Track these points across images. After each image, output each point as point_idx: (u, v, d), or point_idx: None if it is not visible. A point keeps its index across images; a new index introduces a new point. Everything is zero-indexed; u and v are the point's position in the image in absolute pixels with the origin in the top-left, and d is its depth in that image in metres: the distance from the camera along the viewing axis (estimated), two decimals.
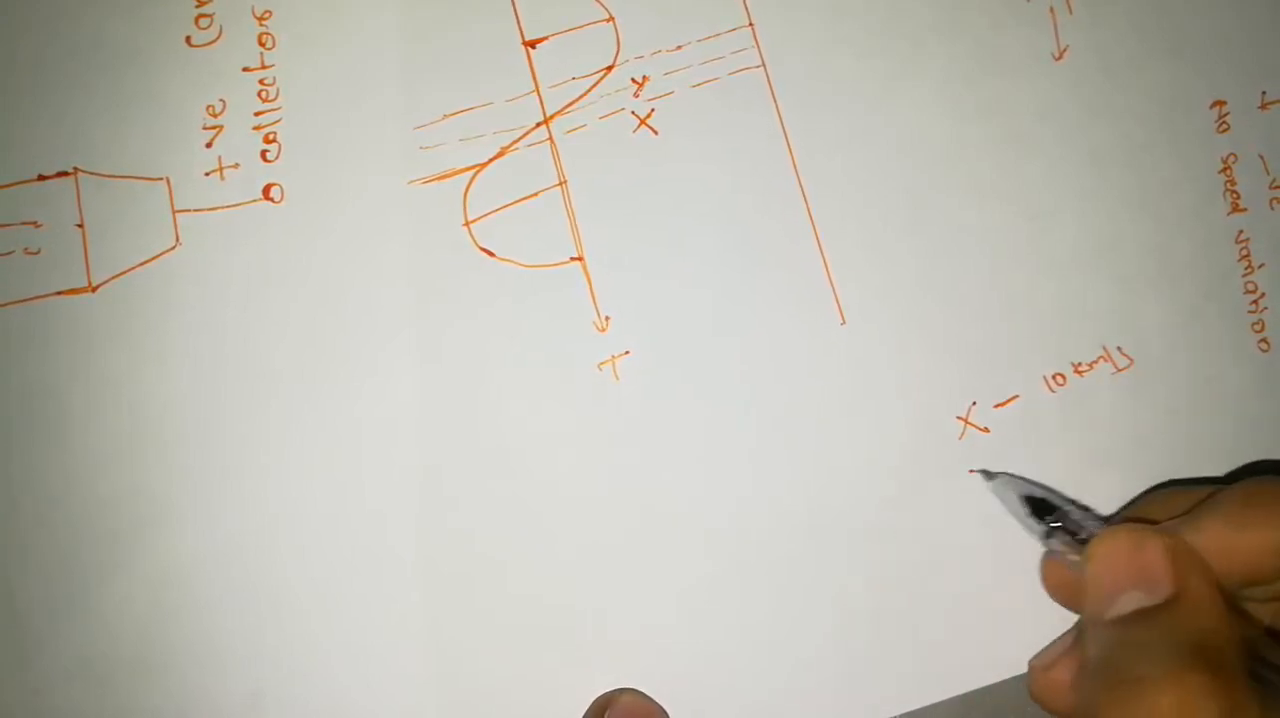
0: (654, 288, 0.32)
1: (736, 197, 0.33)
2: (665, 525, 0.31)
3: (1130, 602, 0.25)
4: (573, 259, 0.32)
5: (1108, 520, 0.29)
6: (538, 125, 0.32)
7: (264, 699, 0.30)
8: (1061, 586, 0.30)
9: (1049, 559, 0.30)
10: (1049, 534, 0.29)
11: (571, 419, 0.32)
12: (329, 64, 0.32)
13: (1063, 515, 0.29)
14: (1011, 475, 0.31)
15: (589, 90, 0.33)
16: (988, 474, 0.32)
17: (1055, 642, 0.30)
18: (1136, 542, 0.26)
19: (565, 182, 0.32)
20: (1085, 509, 0.29)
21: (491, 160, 0.32)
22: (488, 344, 0.32)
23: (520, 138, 0.32)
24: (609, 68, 0.33)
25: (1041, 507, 0.29)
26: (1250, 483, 0.27)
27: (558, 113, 0.32)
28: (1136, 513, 0.31)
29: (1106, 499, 0.32)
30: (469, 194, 0.32)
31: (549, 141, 0.32)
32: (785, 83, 0.33)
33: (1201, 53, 0.35)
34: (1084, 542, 0.28)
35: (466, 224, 0.32)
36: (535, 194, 0.32)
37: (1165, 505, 0.29)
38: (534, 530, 0.31)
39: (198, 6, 0.32)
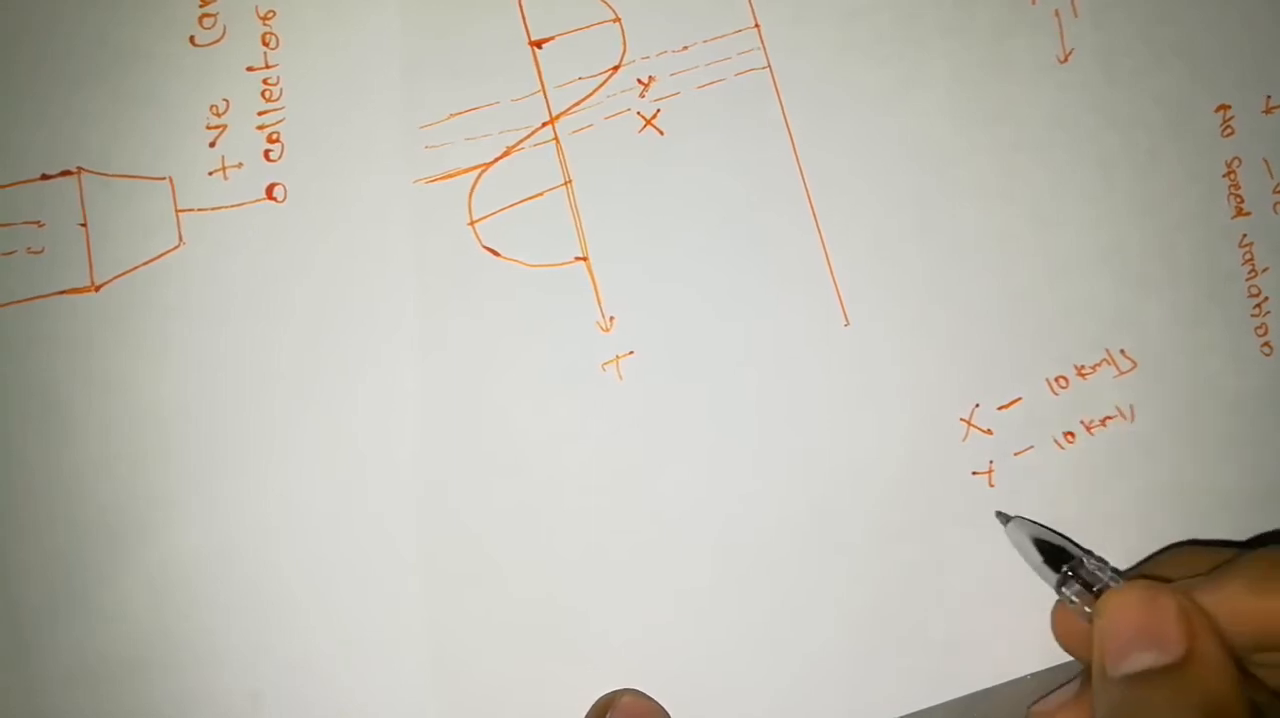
0: (658, 288, 0.32)
1: (741, 197, 0.33)
2: (667, 526, 0.31)
3: (1141, 661, 0.25)
4: (577, 259, 0.32)
5: (1123, 575, 0.29)
6: (543, 125, 0.32)
7: (264, 699, 0.30)
8: (1071, 635, 0.30)
9: (1060, 608, 0.30)
10: (1062, 583, 0.29)
11: (575, 419, 0.32)
12: (332, 64, 0.32)
13: (1076, 565, 0.29)
14: (1026, 520, 0.31)
15: (595, 90, 0.33)
16: (1004, 518, 0.32)
17: (1058, 690, 0.30)
18: (1149, 599, 0.26)
19: (570, 181, 0.32)
20: (1101, 561, 0.29)
21: (497, 160, 0.32)
22: (492, 344, 0.31)
23: (526, 137, 0.32)
24: (615, 68, 0.33)
25: (1056, 554, 0.29)
26: (1275, 549, 0.27)
27: (563, 113, 0.32)
28: (1153, 570, 0.30)
29: (1108, 502, 0.33)
30: (474, 194, 0.32)
31: (554, 141, 0.32)
32: (791, 84, 0.33)
33: (1206, 57, 0.35)
34: (1097, 593, 0.28)
35: (471, 223, 0.32)
36: (540, 194, 0.32)
37: (1185, 564, 0.29)
38: (536, 530, 0.31)
39: (201, 6, 0.32)
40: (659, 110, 0.33)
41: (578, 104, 0.33)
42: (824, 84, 0.33)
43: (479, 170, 0.32)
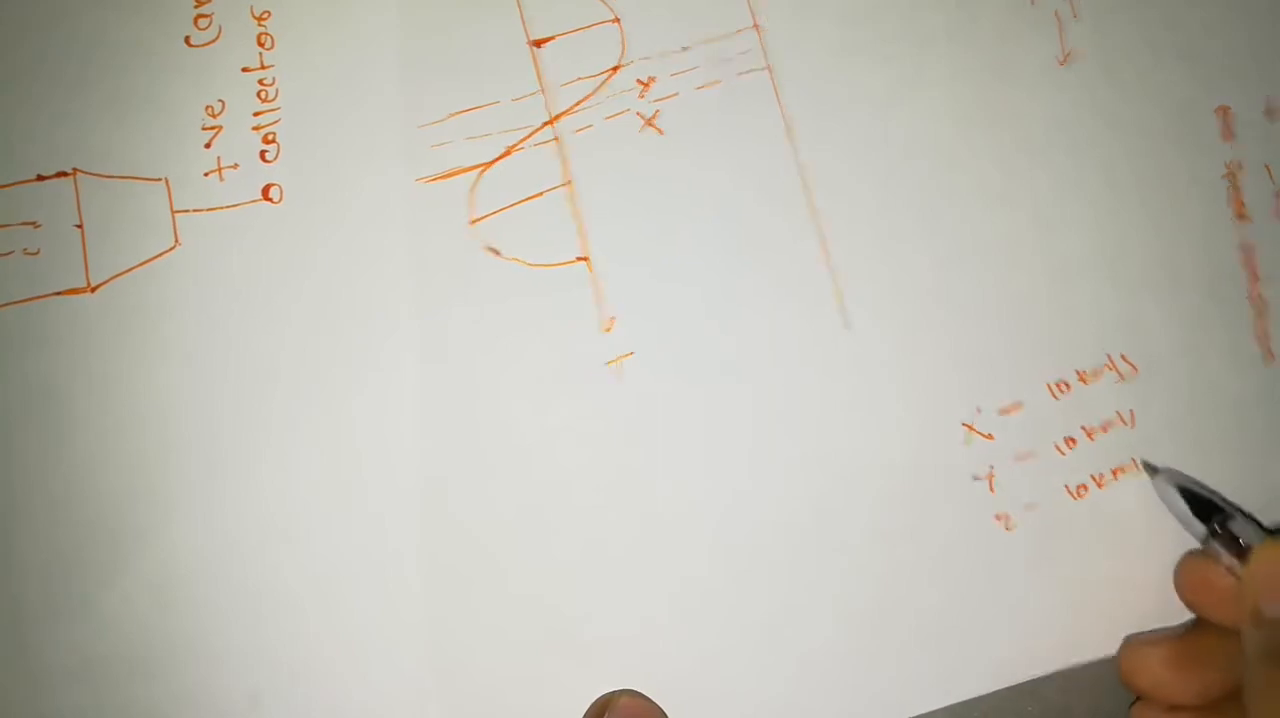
0: (659, 288, 0.32)
1: (741, 198, 0.33)
2: (666, 526, 0.31)
3: None
4: (578, 259, 0.32)
5: (1272, 533, 0.29)
6: (544, 125, 0.32)
7: (264, 699, 0.30)
8: (1201, 586, 0.30)
9: (1190, 559, 0.31)
10: (1210, 536, 0.29)
11: (575, 419, 0.32)
12: (328, 64, 0.32)
13: (1226, 519, 0.29)
14: (1176, 472, 0.32)
15: (595, 90, 0.32)
16: (1151, 468, 0.32)
17: (1161, 628, 0.31)
18: None
19: (571, 181, 0.32)
20: (1249, 516, 0.29)
21: (497, 159, 0.32)
22: (492, 343, 0.31)
23: (526, 137, 0.32)
24: (615, 68, 0.33)
25: (1204, 507, 0.30)
26: None
27: (564, 113, 0.32)
28: None
29: (1108, 508, 0.33)
30: (475, 193, 0.32)
31: (555, 141, 0.32)
32: (790, 85, 0.33)
33: (1207, 58, 0.34)
34: (1242, 548, 0.28)
35: (472, 223, 0.32)
36: (541, 194, 0.32)
37: None
38: (535, 530, 0.31)
39: (197, 7, 0.31)
40: (659, 111, 0.33)
41: (578, 104, 0.32)
42: (824, 85, 0.33)
43: (479, 170, 0.32)
